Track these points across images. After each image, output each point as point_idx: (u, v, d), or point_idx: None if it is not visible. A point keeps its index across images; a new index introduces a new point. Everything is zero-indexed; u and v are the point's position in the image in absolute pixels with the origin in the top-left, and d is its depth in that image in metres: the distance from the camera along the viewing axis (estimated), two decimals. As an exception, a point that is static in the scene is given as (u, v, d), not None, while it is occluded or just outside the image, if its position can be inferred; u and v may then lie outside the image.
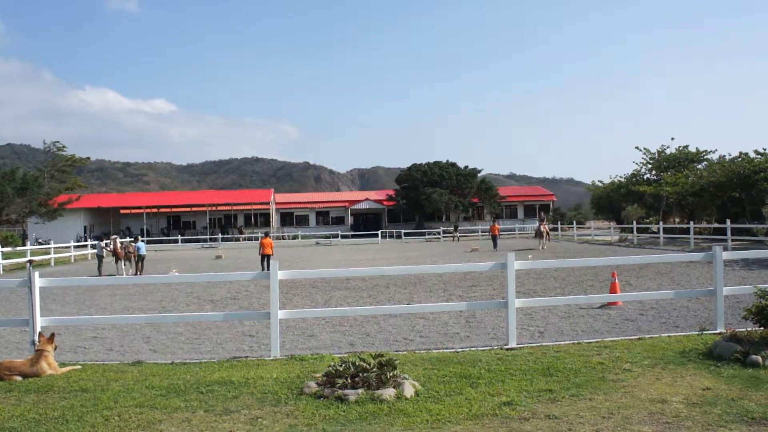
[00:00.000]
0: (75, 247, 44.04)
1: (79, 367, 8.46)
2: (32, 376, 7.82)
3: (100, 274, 27.21)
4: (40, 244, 51.60)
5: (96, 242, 31.19)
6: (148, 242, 57.28)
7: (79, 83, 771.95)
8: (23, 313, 12.34)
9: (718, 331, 9.46)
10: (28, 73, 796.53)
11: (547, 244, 40.03)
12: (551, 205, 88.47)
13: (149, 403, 6.46)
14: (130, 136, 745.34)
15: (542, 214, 44.18)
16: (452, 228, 63.48)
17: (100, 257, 28.75)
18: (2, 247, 34.18)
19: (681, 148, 55.92)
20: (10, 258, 34.87)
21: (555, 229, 60.79)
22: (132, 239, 31.16)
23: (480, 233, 66.83)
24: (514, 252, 9.88)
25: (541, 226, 40.13)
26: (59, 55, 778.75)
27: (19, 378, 7.75)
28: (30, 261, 31.61)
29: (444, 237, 66.56)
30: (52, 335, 8.40)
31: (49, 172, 71.90)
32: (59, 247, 41.91)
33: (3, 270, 31.59)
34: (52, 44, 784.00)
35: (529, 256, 29.54)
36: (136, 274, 27.26)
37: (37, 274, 9.05)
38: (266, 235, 27.90)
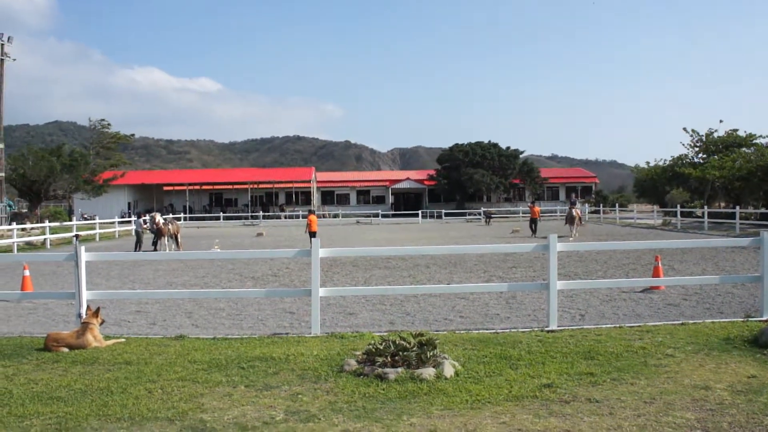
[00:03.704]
0: (119, 222, 44.82)
1: (123, 340, 8.63)
2: (78, 347, 8.00)
3: (137, 250, 27.29)
4: (86, 219, 52.60)
5: (135, 219, 31.37)
6: (191, 219, 57.98)
7: (127, 62, 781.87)
8: (70, 286, 12.61)
9: (764, 318, 9.28)
10: (78, 53, 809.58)
11: (578, 231, 32.97)
12: (593, 188, 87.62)
13: (191, 377, 6.57)
14: (174, 114, 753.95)
15: (573, 196, 41.39)
16: (483, 213, 63.09)
17: (138, 233, 28.82)
18: (50, 222, 34.90)
19: (730, 132, 54.71)
20: (57, 233, 35.62)
21: (596, 212, 59.93)
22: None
23: (521, 215, 66.46)
24: (555, 234, 9.77)
25: (573, 210, 33.10)
26: (108, 34, 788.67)
27: (65, 349, 7.94)
28: (76, 236, 32.33)
29: (474, 219, 66.12)
30: (98, 309, 8.56)
31: (94, 149, 73.16)
32: (104, 223, 42.68)
33: (51, 244, 32.29)
34: (102, 24, 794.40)
35: (570, 239, 29.25)
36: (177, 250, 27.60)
37: (83, 248, 9.20)
38: (310, 212, 28.13)
